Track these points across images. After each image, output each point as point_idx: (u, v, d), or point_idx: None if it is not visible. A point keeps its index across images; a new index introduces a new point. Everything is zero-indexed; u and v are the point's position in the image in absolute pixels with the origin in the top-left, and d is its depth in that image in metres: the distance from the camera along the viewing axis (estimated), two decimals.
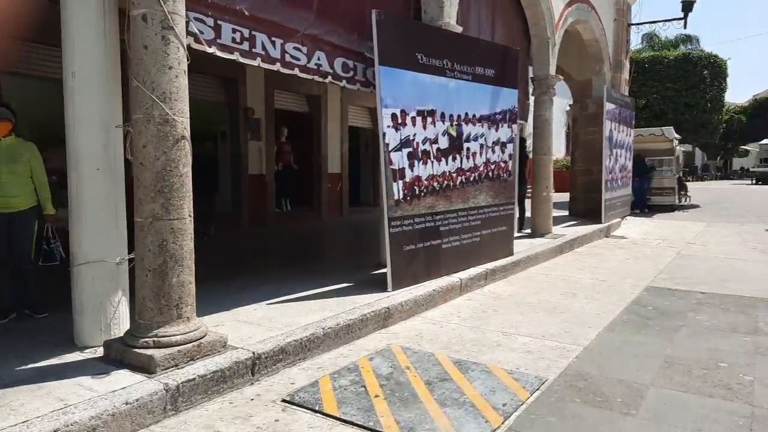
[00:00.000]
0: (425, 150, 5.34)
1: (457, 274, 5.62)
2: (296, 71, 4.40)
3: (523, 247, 7.53)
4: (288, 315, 4.18)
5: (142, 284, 3.14)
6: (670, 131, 14.54)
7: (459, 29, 5.98)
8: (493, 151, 6.35)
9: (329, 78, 4.73)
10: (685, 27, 11.71)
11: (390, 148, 4.95)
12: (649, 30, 25.11)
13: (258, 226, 10.50)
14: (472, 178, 6.02)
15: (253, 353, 3.33)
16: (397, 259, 5.02)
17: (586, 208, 11.56)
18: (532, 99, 8.66)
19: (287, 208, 11.76)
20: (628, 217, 12.47)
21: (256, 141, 10.64)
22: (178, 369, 3.02)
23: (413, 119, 5.18)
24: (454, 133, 5.73)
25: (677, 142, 15.34)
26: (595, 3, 10.09)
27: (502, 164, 6.52)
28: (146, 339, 3.08)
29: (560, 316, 4.79)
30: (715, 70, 19.36)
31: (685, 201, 16.52)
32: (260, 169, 10.74)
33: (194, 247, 3.28)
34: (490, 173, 6.32)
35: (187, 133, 3.14)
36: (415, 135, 5.21)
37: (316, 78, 4.61)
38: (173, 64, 3.05)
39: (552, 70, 8.47)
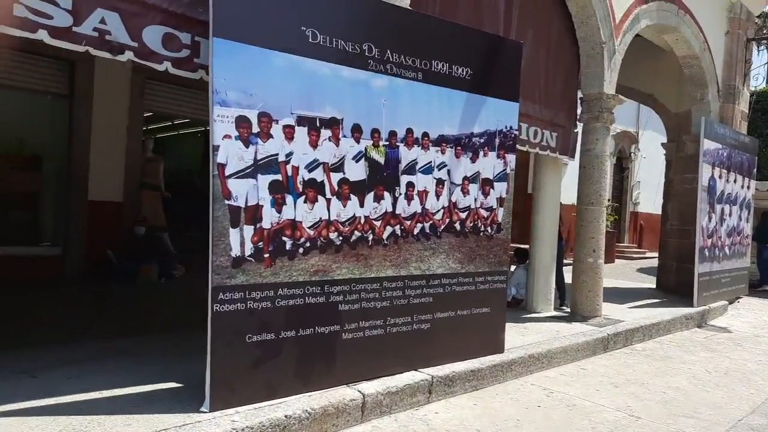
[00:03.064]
0: (313, 181, 3.33)
1: (367, 384, 3.46)
2: (43, 35, 2.67)
3: (536, 336, 5.09)
4: None
5: None
6: None
7: (404, 1, 3.98)
8: (465, 192, 4.14)
9: (130, 55, 2.94)
10: None
11: (228, 172, 3.01)
12: None
13: None
14: (416, 231, 3.86)
15: None
16: (228, 357, 2.99)
17: (678, 282, 8.60)
18: (580, 128, 6.26)
19: None
20: (743, 299, 9.18)
21: None
22: None
23: (288, 129, 3.21)
24: (380, 159, 3.65)
25: None
26: (693, 7, 7.47)
27: (484, 212, 4.27)
28: None
29: None
30: None
31: None
32: None
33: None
34: (458, 225, 4.10)
35: None
36: (290, 155, 3.23)
37: (99, 52, 2.85)
38: None
39: (609, 88, 6.04)
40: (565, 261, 6.96)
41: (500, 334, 4.43)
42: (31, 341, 3.95)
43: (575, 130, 6.23)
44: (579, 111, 6.23)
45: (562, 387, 4.27)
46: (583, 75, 6.12)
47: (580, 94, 6.23)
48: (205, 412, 2.89)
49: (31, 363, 3.46)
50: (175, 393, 3.14)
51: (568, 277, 6.54)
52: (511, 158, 4.44)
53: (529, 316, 6.06)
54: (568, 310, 6.32)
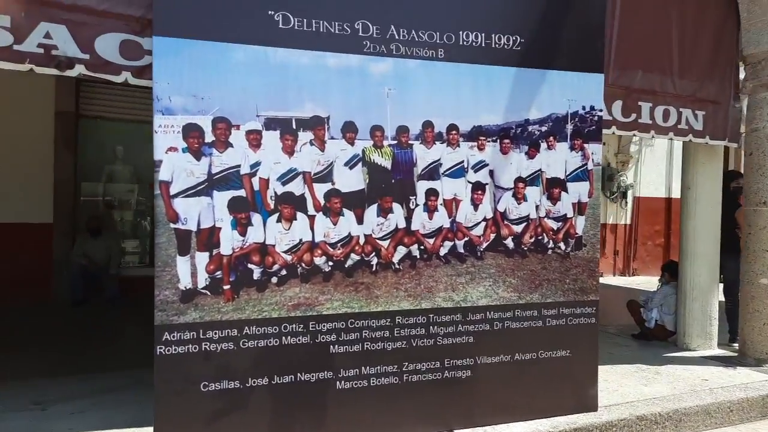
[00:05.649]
0: (289, 195, 2.74)
1: None
2: None
3: (667, 386, 3.75)
4: None
5: None
6: None
7: None
8: (520, 198, 3.14)
9: (81, 68, 2.69)
10: None
11: (174, 191, 2.58)
12: None
13: None
14: (444, 251, 3.00)
15: None
16: (177, 408, 2.54)
17: None
18: (745, 102, 4.61)
19: None
20: None
21: None
22: None
23: (253, 135, 2.67)
24: (385, 163, 2.90)
25: None
26: None
27: (552, 223, 3.20)
28: None
29: None
30: None
31: None
32: None
33: None
34: (509, 241, 3.12)
35: None
36: (257, 165, 2.69)
37: (44, 69, 2.64)
38: None
39: None
40: None
41: (589, 386, 3.28)
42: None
43: (736, 105, 4.60)
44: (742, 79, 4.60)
45: None
46: (744, 28, 4.50)
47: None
48: None
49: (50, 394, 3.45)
50: None
51: None
52: (595, 149, 3.29)
53: (674, 355, 4.58)
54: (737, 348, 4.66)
